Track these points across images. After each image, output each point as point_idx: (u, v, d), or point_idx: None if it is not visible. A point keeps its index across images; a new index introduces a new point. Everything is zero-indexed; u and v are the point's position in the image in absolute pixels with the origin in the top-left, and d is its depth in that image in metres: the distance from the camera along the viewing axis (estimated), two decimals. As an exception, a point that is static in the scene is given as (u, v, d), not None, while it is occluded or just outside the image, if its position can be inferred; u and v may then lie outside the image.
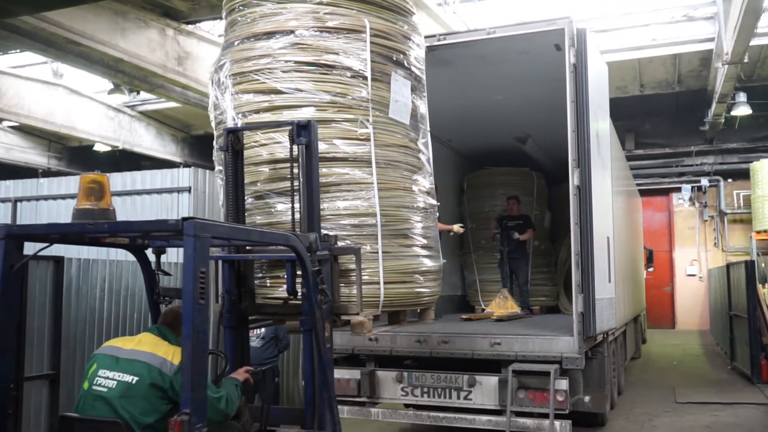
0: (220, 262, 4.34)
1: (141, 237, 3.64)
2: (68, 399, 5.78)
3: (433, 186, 5.16)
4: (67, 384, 5.79)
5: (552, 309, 10.37)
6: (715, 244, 18.62)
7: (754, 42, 11.92)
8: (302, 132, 4.01)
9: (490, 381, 6.11)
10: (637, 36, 13.99)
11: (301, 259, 3.50)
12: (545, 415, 5.87)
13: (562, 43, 6.27)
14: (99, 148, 18.81)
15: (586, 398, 6.16)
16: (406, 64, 4.84)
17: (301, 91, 4.40)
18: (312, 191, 4.03)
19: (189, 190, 7.16)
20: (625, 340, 10.11)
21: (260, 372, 3.69)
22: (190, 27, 12.03)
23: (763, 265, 12.29)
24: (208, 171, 7.56)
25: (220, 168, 4.62)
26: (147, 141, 19.10)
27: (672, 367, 12.88)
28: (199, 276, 2.73)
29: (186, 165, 18.66)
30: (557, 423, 5.79)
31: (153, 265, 3.88)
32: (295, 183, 4.11)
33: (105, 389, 3.08)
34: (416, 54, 5.00)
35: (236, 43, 4.60)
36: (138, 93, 16.62)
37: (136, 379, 3.06)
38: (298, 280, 3.78)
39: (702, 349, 15.44)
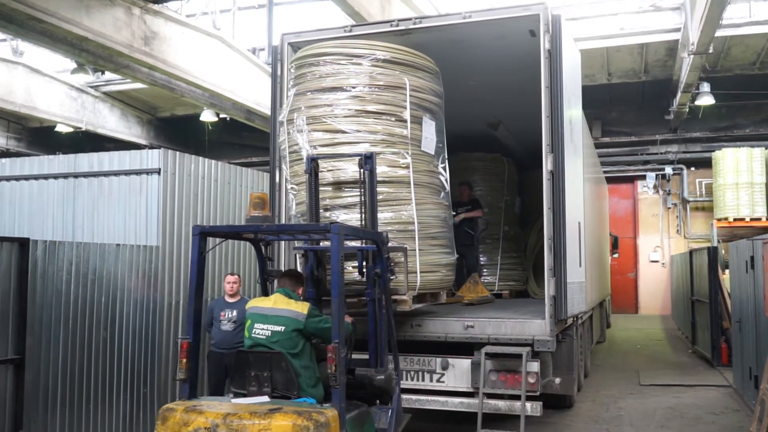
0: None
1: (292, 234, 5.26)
2: (34, 384, 5.65)
3: (450, 201, 6.68)
4: (33, 369, 5.64)
5: (521, 293, 10.48)
6: (677, 231, 19.04)
7: (719, 33, 12.15)
8: (367, 162, 5.44)
9: (463, 364, 6.18)
10: (606, 25, 14.17)
11: (379, 248, 4.92)
12: (517, 397, 5.95)
13: (537, 29, 6.28)
14: (61, 129, 18.34)
15: (557, 380, 6.26)
16: (431, 109, 6.36)
17: (359, 131, 5.95)
18: (373, 205, 5.45)
19: (159, 171, 6.96)
20: (591, 325, 10.29)
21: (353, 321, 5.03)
22: (156, 6, 11.73)
23: (723, 251, 12.58)
24: (178, 153, 7.40)
25: (293, 185, 6.25)
26: (111, 122, 18.68)
27: (635, 351, 13.18)
28: (341, 258, 4.16)
29: (152, 147, 18.29)
30: (528, 404, 5.89)
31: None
32: (357, 199, 5.62)
33: (263, 337, 4.44)
34: (437, 101, 6.51)
35: (308, 93, 6.17)
36: (102, 73, 16.21)
37: (283, 328, 4.42)
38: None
39: (664, 334, 15.83)
